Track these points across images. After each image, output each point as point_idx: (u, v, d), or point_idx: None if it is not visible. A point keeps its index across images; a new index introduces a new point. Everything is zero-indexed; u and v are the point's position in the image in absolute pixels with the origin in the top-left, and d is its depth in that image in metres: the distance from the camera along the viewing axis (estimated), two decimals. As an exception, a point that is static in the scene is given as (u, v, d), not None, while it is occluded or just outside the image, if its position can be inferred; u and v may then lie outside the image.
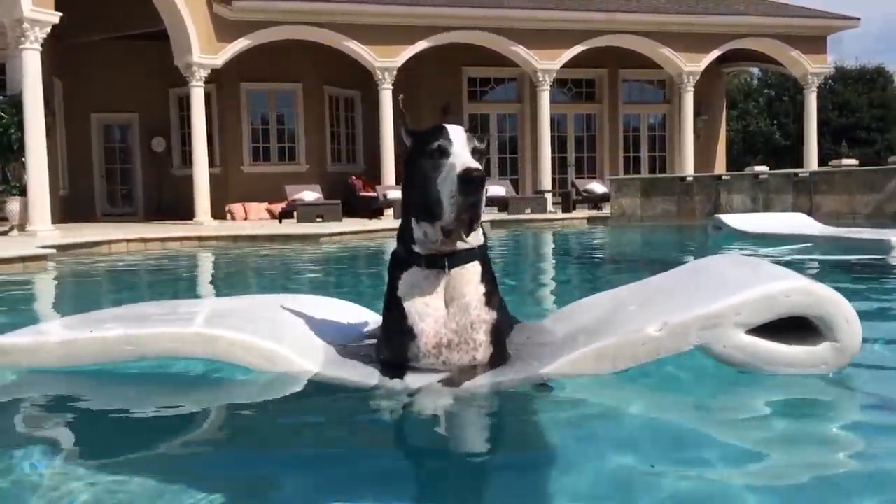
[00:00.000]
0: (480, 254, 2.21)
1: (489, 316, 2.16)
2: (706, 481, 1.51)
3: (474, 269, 2.18)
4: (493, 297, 2.19)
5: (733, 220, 9.30)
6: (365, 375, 2.14)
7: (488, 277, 2.20)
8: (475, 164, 1.97)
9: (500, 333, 2.21)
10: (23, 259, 6.94)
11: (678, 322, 2.05)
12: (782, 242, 7.53)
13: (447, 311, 2.15)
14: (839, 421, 1.95)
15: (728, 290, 2.11)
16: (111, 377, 2.33)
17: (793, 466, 1.60)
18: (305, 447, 1.82)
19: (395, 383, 2.06)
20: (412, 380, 2.06)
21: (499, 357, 2.18)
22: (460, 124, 2.15)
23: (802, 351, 2.06)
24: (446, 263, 2.14)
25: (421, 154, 2.07)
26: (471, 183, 1.93)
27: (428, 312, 2.14)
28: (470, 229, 2.06)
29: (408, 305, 2.16)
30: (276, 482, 1.58)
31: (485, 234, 2.24)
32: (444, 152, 2.03)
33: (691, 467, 1.59)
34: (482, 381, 2.06)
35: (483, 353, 2.14)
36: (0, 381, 2.34)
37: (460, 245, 2.14)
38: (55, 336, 2.33)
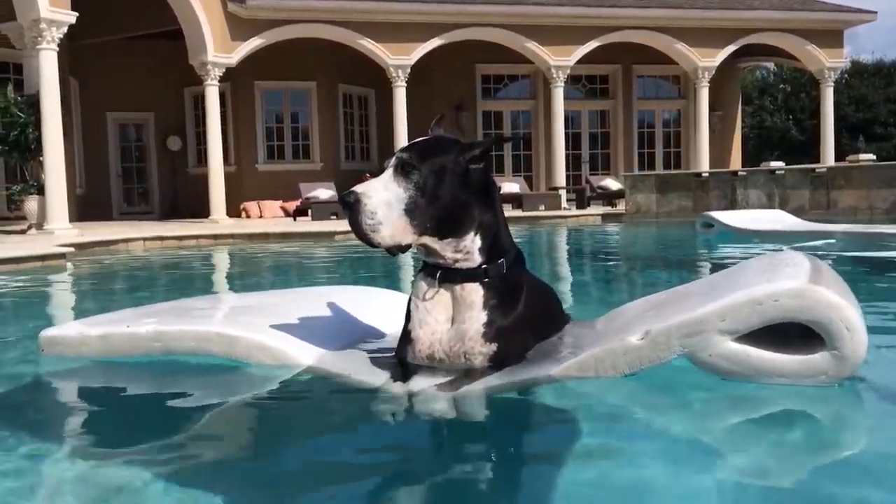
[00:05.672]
0: (485, 276, 2.11)
1: (487, 349, 2.08)
2: (704, 484, 1.50)
3: (475, 292, 2.10)
4: (495, 326, 2.09)
5: (725, 216, 8.82)
6: (370, 376, 2.14)
7: (494, 304, 2.10)
8: (354, 188, 1.99)
9: (503, 361, 2.10)
10: (41, 258, 7.01)
11: (659, 330, 1.93)
12: (796, 239, 7.44)
13: (450, 327, 2.12)
14: (841, 424, 1.88)
15: (723, 294, 1.95)
16: (142, 366, 2.41)
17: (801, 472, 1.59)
18: (300, 445, 1.84)
19: (397, 386, 2.04)
20: (415, 383, 2.04)
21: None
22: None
23: (797, 360, 1.89)
24: (437, 276, 2.13)
25: None
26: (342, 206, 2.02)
27: (427, 321, 2.14)
28: (390, 252, 2.05)
29: (413, 310, 2.19)
30: (269, 479, 1.59)
31: (505, 256, 2.16)
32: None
33: (687, 469, 1.57)
34: (480, 386, 2.01)
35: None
36: (34, 373, 2.44)
37: (458, 264, 2.11)
38: (96, 330, 2.44)
